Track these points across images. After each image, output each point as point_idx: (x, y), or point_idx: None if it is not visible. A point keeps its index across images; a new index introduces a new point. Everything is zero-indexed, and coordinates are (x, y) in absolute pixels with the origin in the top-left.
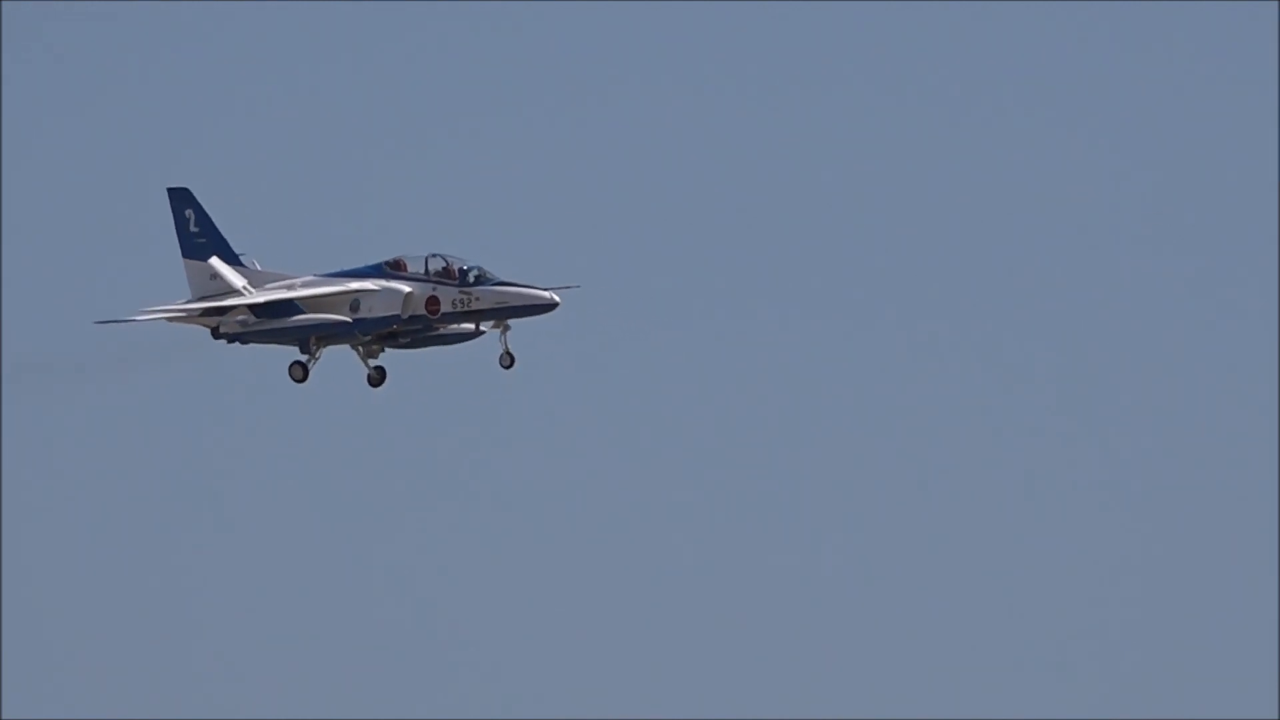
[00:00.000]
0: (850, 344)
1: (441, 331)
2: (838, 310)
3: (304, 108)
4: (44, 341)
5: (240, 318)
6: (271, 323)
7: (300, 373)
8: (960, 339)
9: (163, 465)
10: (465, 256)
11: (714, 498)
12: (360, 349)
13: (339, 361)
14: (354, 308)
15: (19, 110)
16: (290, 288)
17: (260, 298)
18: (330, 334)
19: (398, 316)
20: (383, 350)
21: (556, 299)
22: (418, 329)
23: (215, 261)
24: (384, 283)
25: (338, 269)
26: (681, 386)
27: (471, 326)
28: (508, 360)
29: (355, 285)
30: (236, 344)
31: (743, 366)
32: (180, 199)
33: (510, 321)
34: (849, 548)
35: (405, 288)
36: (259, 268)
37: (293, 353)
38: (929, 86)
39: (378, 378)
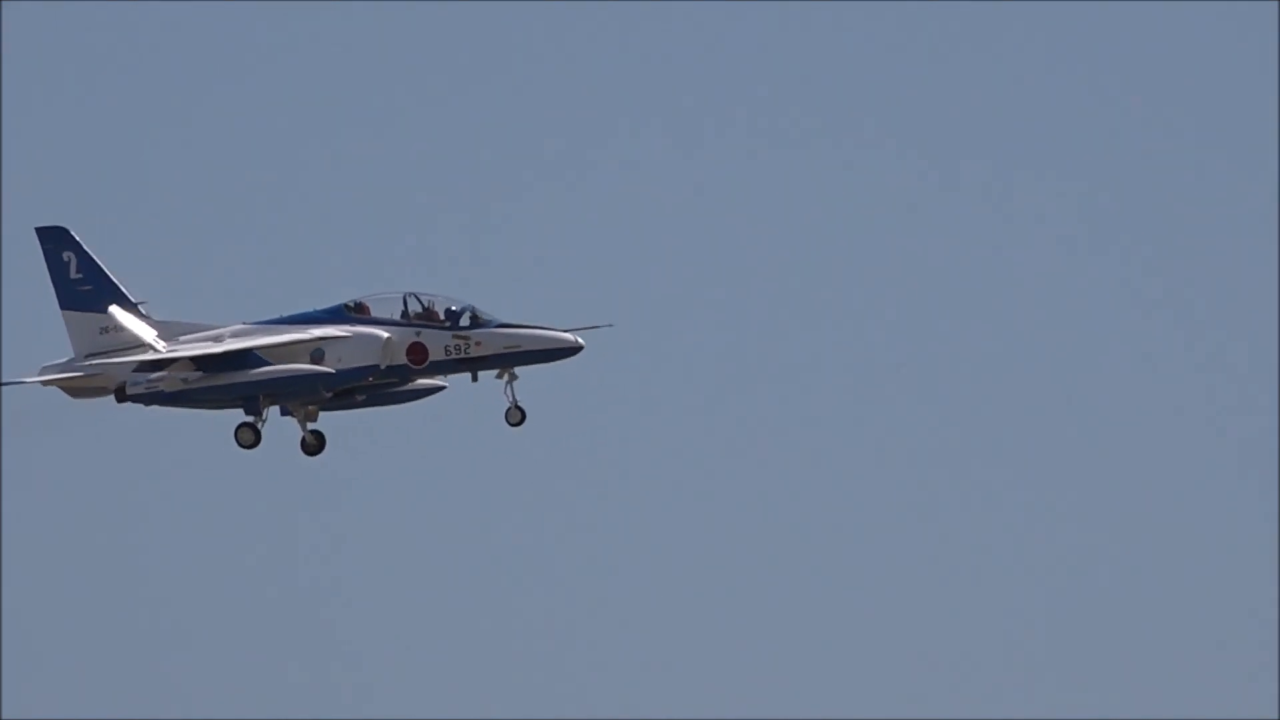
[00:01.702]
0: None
1: (404, 388)
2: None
3: (195, 124)
4: None
5: (182, 374)
6: (222, 378)
7: (251, 436)
8: (961, 341)
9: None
10: (439, 293)
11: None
12: (301, 410)
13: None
14: (316, 358)
15: None
16: (217, 339)
17: (208, 348)
18: (289, 391)
19: (375, 367)
20: (319, 412)
21: (580, 341)
22: (393, 382)
23: (117, 311)
24: (353, 328)
25: (273, 315)
26: (726, 448)
27: (428, 384)
28: (517, 415)
29: (318, 332)
30: (152, 406)
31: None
32: (54, 239)
33: (518, 370)
34: (886, 589)
35: (382, 333)
36: (155, 318)
37: (222, 417)
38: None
39: (315, 444)
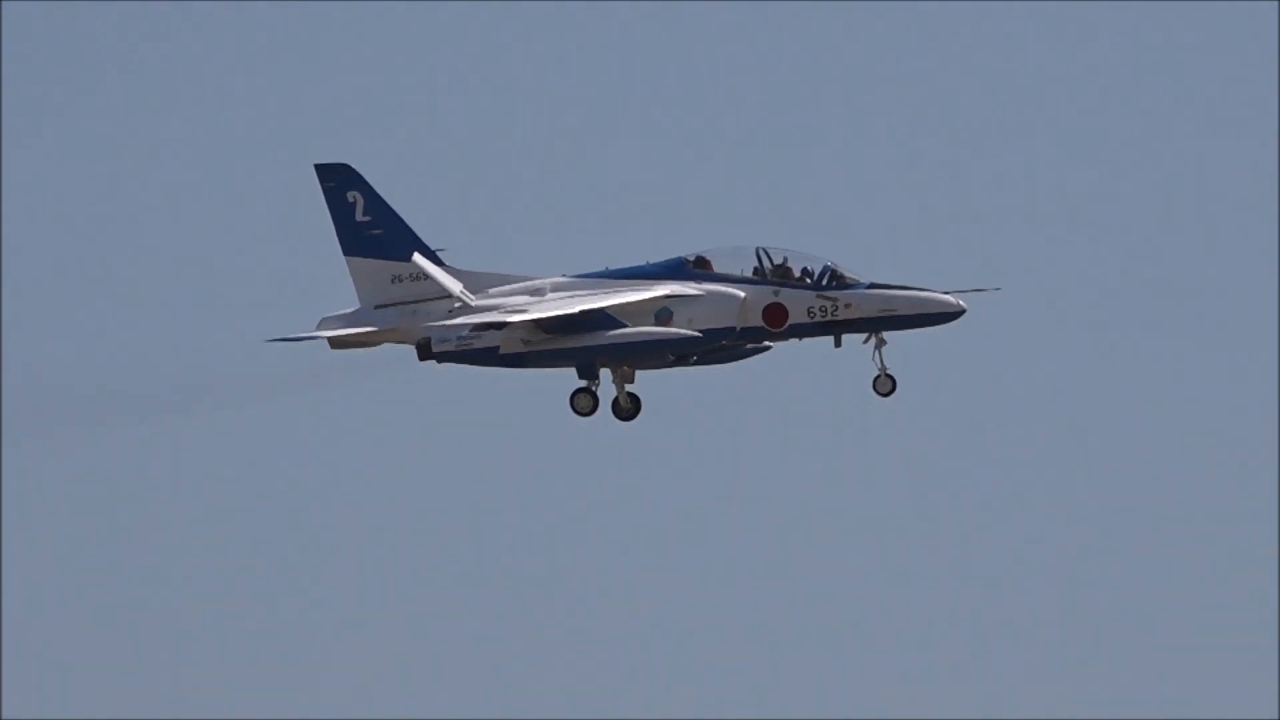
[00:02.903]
0: None
1: (733, 346)
2: None
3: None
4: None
5: (523, 334)
6: (571, 339)
7: (591, 403)
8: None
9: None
10: (792, 248)
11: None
12: (619, 371)
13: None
14: (663, 318)
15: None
16: (538, 293)
17: (557, 309)
18: (642, 356)
19: (731, 329)
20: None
21: (964, 305)
22: (738, 345)
23: (421, 260)
24: (703, 285)
25: (583, 268)
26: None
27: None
28: (888, 384)
29: (665, 289)
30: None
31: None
32: (337, 178)
33: (886, 335)
34: None
35: (738, 291)
36: (455, 268)
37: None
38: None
39: (630, 408)
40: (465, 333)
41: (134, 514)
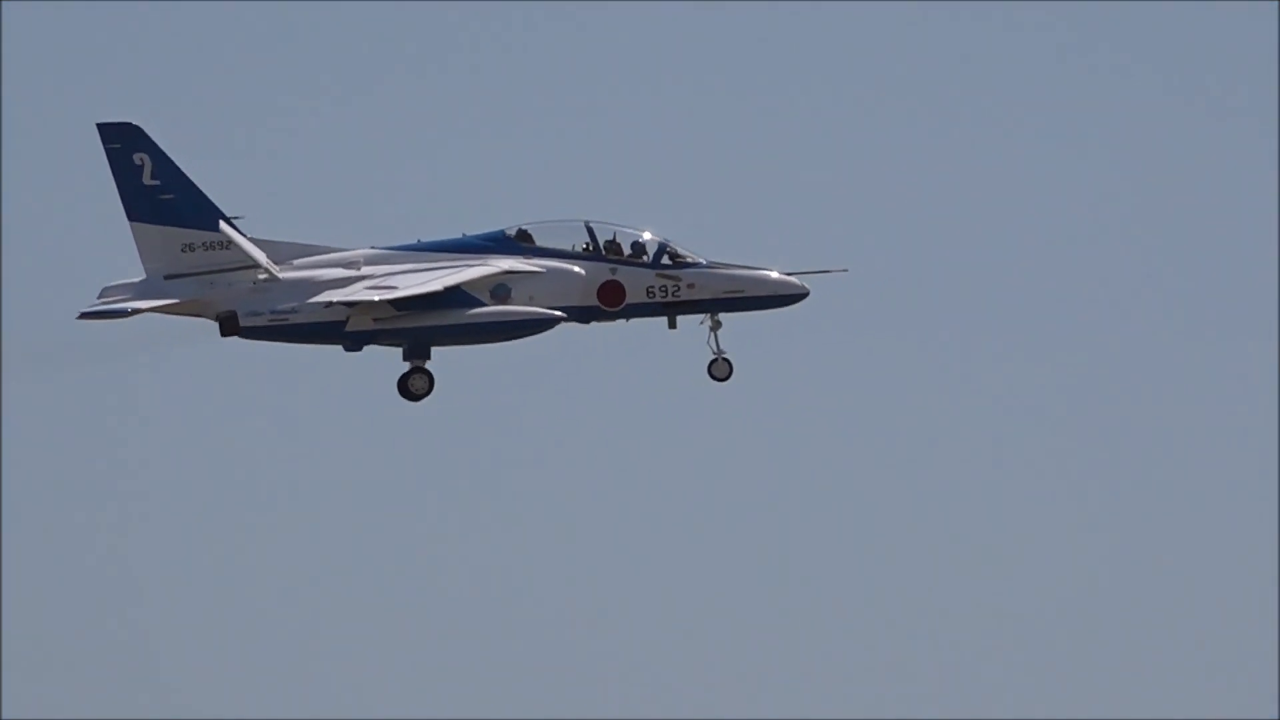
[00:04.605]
0: None
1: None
2: None
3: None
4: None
5: (374, 313)
6: (430, 317)
7: (426, 385)
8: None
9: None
10: (619, 223)
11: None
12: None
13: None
14: (500, 295)
15: None
16: (352, 266)
17: (421, 285)
18: (495, 335)
19: (574, 309)
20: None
21: (806, 287)
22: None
23: (228, 229)
24: (541, 261)
25: (389, 240)
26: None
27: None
28: (725, 369)
29: (505, 264)
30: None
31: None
32: (122, 138)
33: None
34: None
35: (578, 269)
36: (250, 236)
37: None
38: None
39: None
40: (300, 307)
41: None
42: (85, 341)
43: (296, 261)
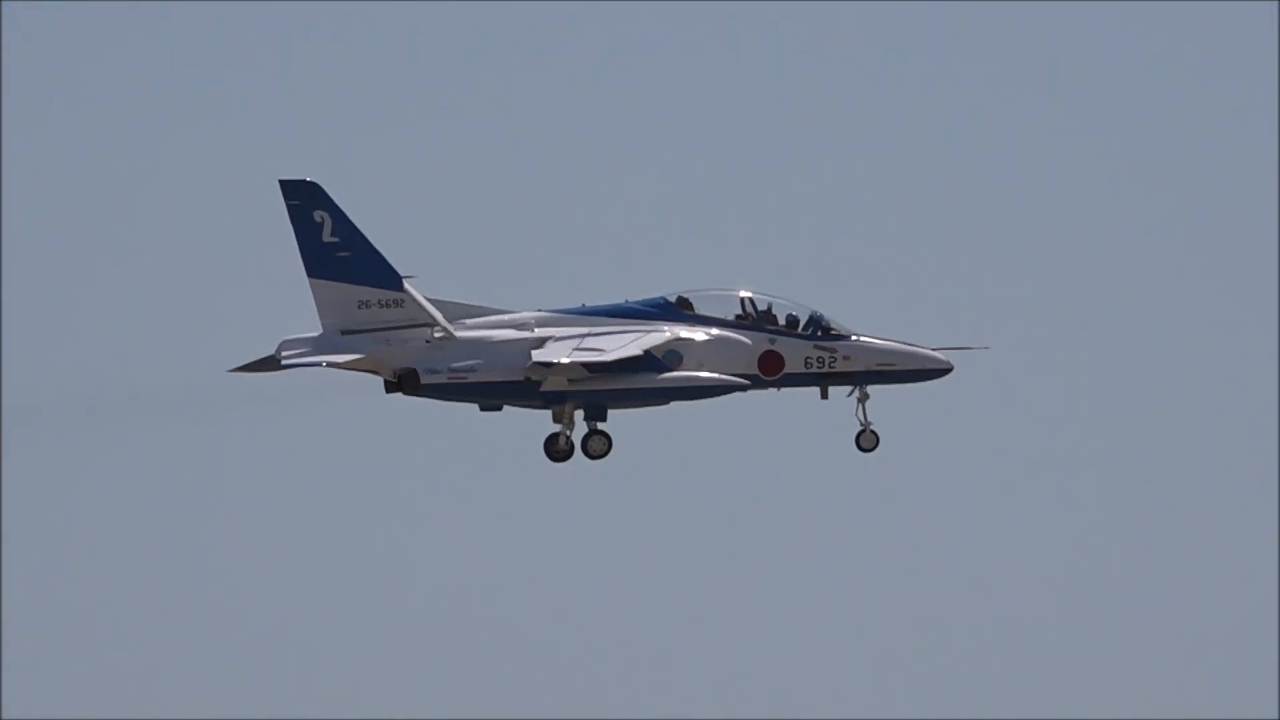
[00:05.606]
0: None
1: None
2: None
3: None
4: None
5: (570, 374)
6: (622, 381)
7: (605, 446)
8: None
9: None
10: (775, 295)
11: None
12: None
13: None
14: (671, 361)
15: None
16: (524, 328)
17: (627, 349)
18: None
19: (752, 376)
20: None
21: (951, 363)
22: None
23: (413, 289)
24: (707, 330)
25: (566, 304)
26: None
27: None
28: (873, 440)
29: (680, 332)
30: (435, 400)
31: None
32: (303, 196)
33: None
34: None
35: (743, 338)
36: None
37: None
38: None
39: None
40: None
41: (92, 530)
42: (246, 393)
43: (468, 321)
